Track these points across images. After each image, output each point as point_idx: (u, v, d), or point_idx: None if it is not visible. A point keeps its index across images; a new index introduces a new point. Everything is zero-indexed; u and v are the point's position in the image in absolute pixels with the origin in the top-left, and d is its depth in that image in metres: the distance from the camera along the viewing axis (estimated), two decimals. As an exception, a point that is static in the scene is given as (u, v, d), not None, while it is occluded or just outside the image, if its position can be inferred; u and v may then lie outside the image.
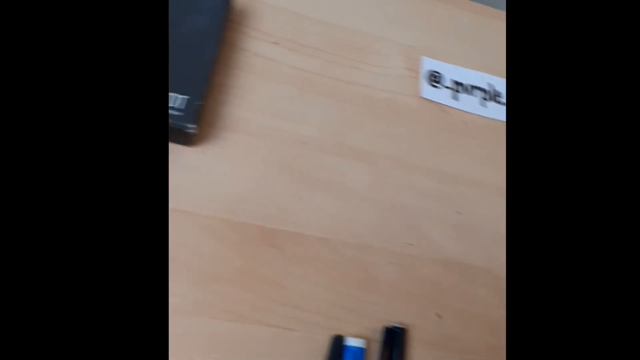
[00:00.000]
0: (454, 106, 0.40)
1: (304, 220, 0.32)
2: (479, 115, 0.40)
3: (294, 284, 0.31)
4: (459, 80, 0.41)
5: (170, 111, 0.30)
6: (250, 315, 0.29)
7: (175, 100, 0.30)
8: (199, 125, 0.32)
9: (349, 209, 0.34)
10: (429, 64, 0.41)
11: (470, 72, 0.42)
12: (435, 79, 0.40)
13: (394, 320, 0.31)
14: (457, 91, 0.40)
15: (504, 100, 0.42)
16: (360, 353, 0.29)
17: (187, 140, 0.32)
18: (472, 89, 0.41)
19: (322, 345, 0.30)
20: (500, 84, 0.42)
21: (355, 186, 0.34)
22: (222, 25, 0.34)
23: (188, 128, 0.30)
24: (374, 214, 0.34)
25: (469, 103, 0.40)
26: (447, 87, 0.40)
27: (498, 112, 0.41)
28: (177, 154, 0.32)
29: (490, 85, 0.42)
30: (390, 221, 0.34)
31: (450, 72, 0.41)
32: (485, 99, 0.41)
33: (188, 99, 0.31)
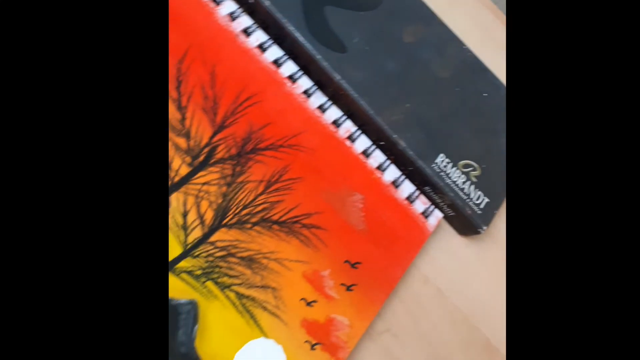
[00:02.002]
0: None
1: (519, 353, 0.36)
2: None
3: (493, 405, 0.34)
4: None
5: (472, 204, 0.35)
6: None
7: (481, 199, 0.36)
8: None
9: None
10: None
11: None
12: None
13: None
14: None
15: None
16: None
17: (464, 231, 0.37)
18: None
19: None
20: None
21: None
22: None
23: (481, 228, 0.35)
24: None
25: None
26: None
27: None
28: (451, 236, 0.37)
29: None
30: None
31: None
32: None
33: (488, 202, 0.36)
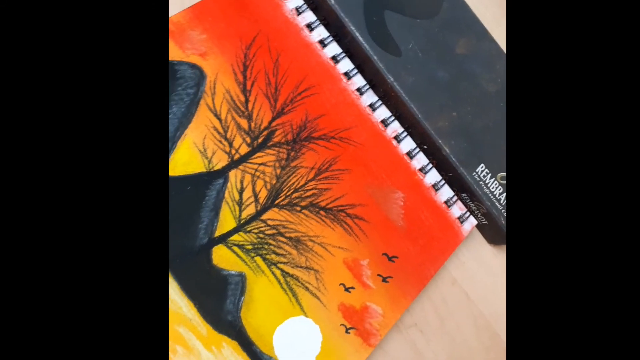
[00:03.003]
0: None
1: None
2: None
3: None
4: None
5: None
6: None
7: (515, 210, 0.37)
8: (507, 236, 0.39)
9: None
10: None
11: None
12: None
13: None
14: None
15: None
16: None
17: (495, 240, 0.38)
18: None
19: None
20: None
21: None
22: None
23: (512, 237, 0.37)
24: None
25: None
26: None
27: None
28: (481, 244, 0.39)
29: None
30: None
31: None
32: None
33: (520, 215, 0.37)
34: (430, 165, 0.37)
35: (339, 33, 0.37)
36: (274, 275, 0.29)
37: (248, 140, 0.32)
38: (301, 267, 0.30)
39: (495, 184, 0.37)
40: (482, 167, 0.37)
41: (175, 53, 0.31)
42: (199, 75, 0.31)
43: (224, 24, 0.33)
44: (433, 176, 0.37)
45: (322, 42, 0.36)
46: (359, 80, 0.37)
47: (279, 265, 0.30)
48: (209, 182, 0.30)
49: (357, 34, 0.37)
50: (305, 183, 0.32)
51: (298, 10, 0.36)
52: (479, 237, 0.39)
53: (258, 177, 0.31)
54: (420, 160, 0.37)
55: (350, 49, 0.37)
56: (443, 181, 0.37)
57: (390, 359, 0.33)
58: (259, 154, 0.32)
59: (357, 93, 0.36)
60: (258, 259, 0.29)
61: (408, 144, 0.37)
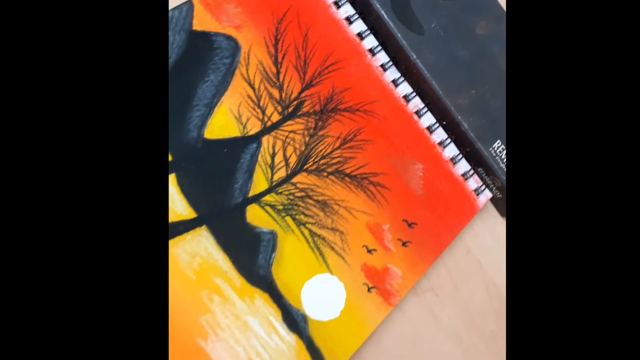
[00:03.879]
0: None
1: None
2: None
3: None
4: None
5: (520, 189, 0.39)
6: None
7: (529, 185, 0.39)
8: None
9: None
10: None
11: None
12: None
13: None
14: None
15: None
16: None
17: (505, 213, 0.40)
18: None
19: None
20: None
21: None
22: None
23: (525, 210, 0.39)
24: None
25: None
26: None
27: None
28: (494, 217, 0.41)
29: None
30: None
31: None
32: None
33: (533, 190, 0.39)
34: (449, 140, 0.39)
35: (364, 11, 0.39)
36: (303, 234, 0.32)
37: (279, 109, 0.34)
38: (327, 228, 0.32)
39: (511, 160, 0.39)
40: (498, 143, 0.39)
41: (212, 25, 0.33)
42: (234, 46, 0.33)
43: (257, -1, 0.35)
44: (451, 150, 0.39)
45: (349, 19, 0.38)
46: (382, 57, 0.38)
47: (307, 225, 0.32)
48: (243, 146, 0.32)
49: (382, 12, 0.38)
50: (332, 151, 0.34)
51: (326, -12, 0.38)
52: (492, 210, 0.41)
53: (288, 143, 0.33)
54: (440, 134, 0.39)
55: (375, 27, 0.39)
56: (461, 155, 0.39)
57: (408, 319, 0.35)
58: (289, 122, 0.34)
59: (380, 69, 0.38)
60: (288, 218, 0.32)
61: (428, 119, 0.39)
